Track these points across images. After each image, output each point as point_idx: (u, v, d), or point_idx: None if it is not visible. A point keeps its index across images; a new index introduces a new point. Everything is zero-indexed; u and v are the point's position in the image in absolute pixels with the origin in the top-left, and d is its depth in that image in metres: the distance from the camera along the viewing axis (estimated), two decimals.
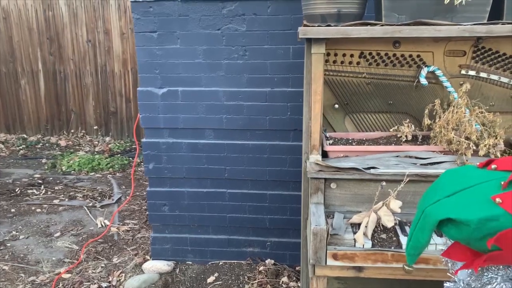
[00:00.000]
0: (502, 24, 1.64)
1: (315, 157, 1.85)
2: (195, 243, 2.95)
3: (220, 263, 2.96)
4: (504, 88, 1.98)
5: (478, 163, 0.99)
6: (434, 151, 1.83)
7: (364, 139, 2.05)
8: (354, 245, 1.62)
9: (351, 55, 2.01)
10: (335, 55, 2.01)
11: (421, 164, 1.79)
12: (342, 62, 2.02)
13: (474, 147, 1.72)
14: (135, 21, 2.57)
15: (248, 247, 2.93)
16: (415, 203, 1.79)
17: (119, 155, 5.87)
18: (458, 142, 1.74)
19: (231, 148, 2.73)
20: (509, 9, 1.71)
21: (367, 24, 1.70)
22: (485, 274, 1.03)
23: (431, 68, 1.95)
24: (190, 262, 3.00)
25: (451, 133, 1.74)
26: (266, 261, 2.90)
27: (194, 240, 2.95)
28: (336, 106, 2.06)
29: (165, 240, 2.98)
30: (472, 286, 1.05)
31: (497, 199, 0.86)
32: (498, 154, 1.73)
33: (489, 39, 1.91)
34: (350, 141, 2.03)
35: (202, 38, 2.56)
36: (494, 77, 1.97)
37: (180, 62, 2.62)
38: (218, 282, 2.78)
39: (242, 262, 2.93)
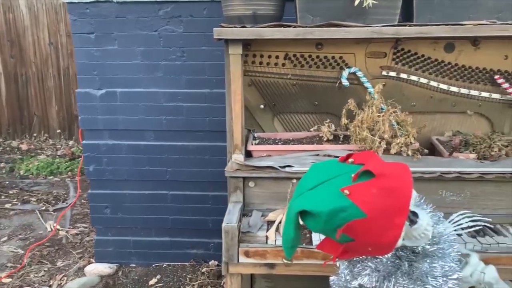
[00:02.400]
0: (409, 26, 1.70)
1: (237, 156, 1.88)
2: (138, 246, 2.94)
3: (164, 265, 2.95)
4: (424, 89, 2.04)
5: (339, 158, 1.02)
6: (351, 150, 1.87)
7: (291, 139, 2.09)
8: (266, 242, 1.64)
9: (276, 57, 2.04)
10: (261, 56, 2.04)
11: None
12: (268, 64, 2.05)
13: (385, 146, 1.76)
14: (72, 22, 2.56)
15: (191, 249, 2.93)
16: None
17: (80, 158, 5.80)
18: (371, 141, 1.78)
19: (172, 149, 2.73)
20: (419, 12, 1.77)
21: (282, 26, 1.74)
22: (356, 266, 1.06)
23: (352, 70, 2.00)
24: (134, 265, 2.98)
25: (364, 132, 1.78)
26: (210, 263, 2.91)
27: (137, 242, 2.93)
28: (262, 106, 2.08)
29: (108, 243, 2.95)
30: (347, 278, 1.08)
31: (346, 191, 0.90)
32: (410, 153, 1.79)
33: (408, 41, 1.97)
34: (276, 141, 2.06)
35: (139, 39, 2.57)
36: (413, 78, 2.02)
37: (118, 63, 2.61)
38: (159, 284, 2.77)
39: (186, 264, 2.93)
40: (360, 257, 1.04)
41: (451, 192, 1.78)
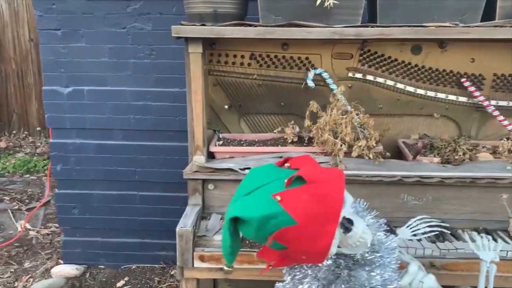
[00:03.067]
0: (371, 27, 1.67)
1: (199, 158, 1.84)
2: (107, 247, 2.88)
3: (133, 267, 2.90)
4: (391, 91, 2.02)
5: (276, 162, 0.98)
6: (314, 152, 1.84)
7: (257, 140, 2.05)
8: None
9: (242, 56, 2.00)
10: (226, 55, 2.00)
11: None
12: (233, 63, 2.01)
13: (346, 149, 1.73)
14: (38, 18, 2.50)
15: (161, 251, 2.88)
16: None
17: None
18: (332, 143, 1.75)
19: (141, 149, 2.68)
20: (382, 13, 1.74)
21: (242, 25, 1.70)
22: (296, 273, 1.03)
23: (318, 71, 1.97)
24: (103, 266, 2.92)
25: (325, 134, 1.75)
26: None
27: (106, 243, 2.88)
28: (226, 107, 2.04)
29: (76, 244, 2.89)
30: (290, 286, 1.05)
31: (277, 197, 0.86)
32: (371, 156, 1.76)
33: (374, 42, 1.94)
34: (242, 143, 2.02)
35: (107, 37, 2.51)
36: (380, 80, 2.00)
37: (86, 60, 2.56)
38: (127, 286, 2.72)
39: (155, 265, 2.88)
40: (300, 265, 1.01)
41: (412, 196, 1.76)
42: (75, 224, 2.85)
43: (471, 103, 2.01)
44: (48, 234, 3.52)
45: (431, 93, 2.01)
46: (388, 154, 1.85)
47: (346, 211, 0.91)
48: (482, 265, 1.32)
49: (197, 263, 1.59)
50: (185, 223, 1.60)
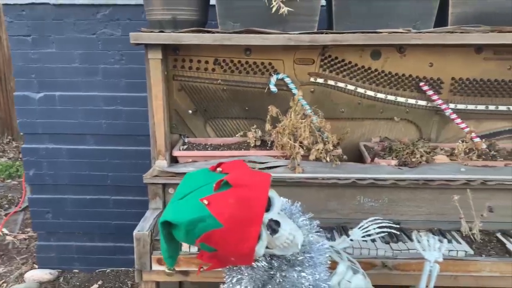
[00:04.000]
0: (325, 34, 1.71)
1: (160, 162, 1.87)
2: (81, 251, 2.90)
3: (107, 270, 2.91)
4: (352, 95, 2.06)
5: (209, 167, 1.02)
6: (275, 156, 1.88)
7: (222, 144, 2.08)
8: (180, 250, 1.63)
9: (206, 62, 2.03)
10: (190, 61, 2.02)
11: (259, 169, 1.83)
12: (197, 69, 2.04)
13: (303, 152, 1.77)
14: (8, 24, 2.51)
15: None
16: None
17: None
18: (291, 147, 1.79)
19: (113, 154, 2.70)
20: (338, 19, 1.78)
21: (200, 31, 1.73)
22: (233, 275, 1.06)
23: (280, 76, 2.00)
24: (77, 270, 2.94)
25: (284, 138, 1.79)
26: None
27: (80, 248, 2.89)
28: (190, 111, 2.07)
29: (50, 248, 2.90)
30: (229, 286, 1.08)
31: (205, 201, 0.89)
32: (328, 159, 1.80)
33: (335, 48, 1.98)
34: (207, 147, 2.05)
35: (77, 43, 2.54)
36: (341, 84, 2.04)
37: (57, 66, 2.58)
38: None
39: (129, 269, 2.90)
40: (238, 266, 1.04)
41: (369, 198, 1.80)
42: (49, 229, 2.86)
43: (431, 107, 2.06)
44: (25, 239, 3.52)
45: (391, 97, 2.05)
46: (345, 157, 1.88)
47: (274, 214, 0.94)
48: (425, 265, 1.36)
49: (155, 266, 1.61)
50: (143, 226, 1.63)
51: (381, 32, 1.70)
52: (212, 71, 2.04)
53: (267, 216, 0.93)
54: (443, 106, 2.00)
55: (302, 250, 1.00)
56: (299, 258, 0.99)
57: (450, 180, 1.71)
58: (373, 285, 1.47)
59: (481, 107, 2.05)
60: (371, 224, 1.56)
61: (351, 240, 1.55)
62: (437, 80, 2.03)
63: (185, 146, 2.03)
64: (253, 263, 1.03)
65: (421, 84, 2.01)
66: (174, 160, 1.95)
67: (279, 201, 0.97)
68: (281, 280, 1.01)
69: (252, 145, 1.98)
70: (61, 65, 2.58)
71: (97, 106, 2.63)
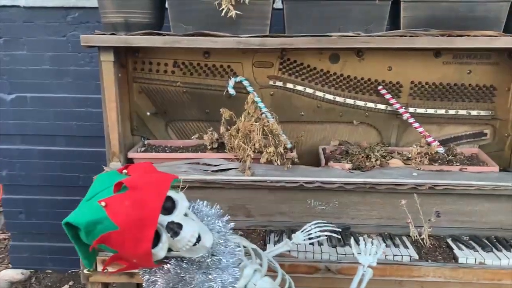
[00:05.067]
0: (273, 37, 1.71)
1: (115, 164, 1.88)
2: (54, 252, 2.92)
3: (80, 271, 2.92)
4: (311, 99, 2.06)
5: (117, 169, 1.02)
6: (229, 159, 1.88)
7: (182, 146, 2.09)
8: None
9: (165, 64, 2.04)
10: (150, 63, 2.04)
11: (212, 171, 1.83)
12: (157, 71, 2.05)
13: (252, 155, 1.77)
14: None
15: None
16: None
17: None
18: (243, 149, 1.79)
19: (84, 155, 2.72)
20: (289, 23, 1.79)
21: (151, 34, 1.74)
22: (147, 277, 1.06)
23: (238, 79, 2.01)
24: (50, 271, 2.96)
25: (236, 141, 1.79)
26: None
27: (53, 248, 2.91)
28: (148, 113, 2.08)
29: (23, 249, 2.92)
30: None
31: (102, 203, 0.90)
32: (279, 162, 1.80)
33: (293, 51, 1.98)
34: (166, 149, 2.06)
35: (48, 45, 2.56)
36: (300, 88, 2.04)
37: (28, 68, 2.61)
38: None
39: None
40: (150, 268, 1.05)
41: (319, 201, 1.80)
42: (22, 229, 2.88)
43: (390, 111, 2.05)
44: (5, 239, 3.55)
45: (350, 101, 2.05)
46: (297, 160, 1.88)
47: (176, 216, 0.95)
48: (359, 269, 1.36)
49: (101, 267, 1.62)
50: None
51: (330, 36, 1.70)
52: (171, 74, 2.06)
53: (166, 219, 0.94)
54: (401, 110, 2.00)
55: (211, 253, 1.00)
56: (207, 261, 0.99)
57: (398, 184, 1.71)
58: None
59: (441, 111, 2.04)
60: (314, 228, 1.56)
61: (293, 243, 1.55)
62: (396, 84, 2.02)
63: (143, 148, 2.04)
64: (166, 265, 1.04)
65: (379, 88, 2.01)
66: (130, 162, 1.95)
67: (184, 203, 0.97)
68: (189, 281, 1.01)
69: (209, 147, 1.99)
70: (32, 67, 2.61)
71: (67, 107, 2.65)
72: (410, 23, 1.76)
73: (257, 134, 1.81)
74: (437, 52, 1.97)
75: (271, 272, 1.29)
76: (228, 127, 1.91)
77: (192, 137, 2.04)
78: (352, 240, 1.43)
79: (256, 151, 1.81)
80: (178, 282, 1.03)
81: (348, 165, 1.87)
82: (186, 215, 1.00)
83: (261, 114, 1.90)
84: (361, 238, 1.43)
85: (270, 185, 1.75)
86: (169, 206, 0.96)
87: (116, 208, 0.89)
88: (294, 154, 1.90)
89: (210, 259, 1.00)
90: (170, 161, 1.89)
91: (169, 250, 0.97)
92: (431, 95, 2.03)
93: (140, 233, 0.88)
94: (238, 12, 1.70)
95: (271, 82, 2.05)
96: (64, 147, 2.73)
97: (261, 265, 1.17)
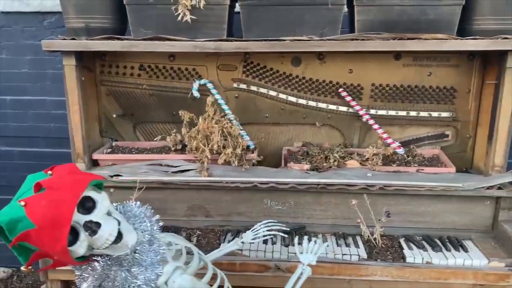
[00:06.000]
0: (229, 41, 1.76)
1: (79, 165, 1.92)
2: None
3: None
4: (275, 101, 2.09)
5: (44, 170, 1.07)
6: (189, 160, 1.92)
7: (148, 148, 2.13)
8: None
9: (132, 67, 2.09)
10: (117, 66, 2.09)
11: (172, 172, 1.88)
12: (124, 74, 2.10)
13: (210, 156, 1.82)
14: None
15: None
16: (164, 209, 1.88)
17: None
18: (201, 151, 1.84)
19: (62, 156, 2.77)
20: (246, 27, 1.82)
21: (111, 39, 1.79)
22: (78, 273, 1.11)
23: (202, 81, 2.05)
24: (33, 270, 3.01)
25: (194, 142, 1.84)
26: None
27: None
28: (114, 115, 2.13)
29: (5, 247, 2.98)
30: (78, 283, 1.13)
31: (22, 203, 0.95)
32: (236, 163, 1.84)
33: (256, 54, 2.03)
34: (133, 150, 2.10)
35: (26, 49, 2.63)
36: (263, 90, 2.08)
37: (7, 71, 2.67)
38: None
39: None
40: (80, 265, 1.09)
41: (276, 201, 1.84)
42: None
43: (352, 113, 2.08)
44: None
45: (312, 103, 2.08)
46: (255, 162, 1.92)
47: (95, 216, 0.99)
48: (298, 267, 1.39)
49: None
50: None
51: (284, 40, 1.74)
52: (137, 77, 2.11)
53: (84, 218, 0.98)
54: (361, 112, 2.03)
55: (133, 251, 1.05)
56: (129, 258, 1.04)
57: (349, 185, 1.74)
58: None
59: (402, 113, 2.06)
60: (263, 227, 1.60)
61: (242, 242, 1.59)
62: (357, 86, 2.05)
63: (110, 150, 2.09)
64: (94, 263, 1.08)
65: (340, 90, 2.04)
66: (95, 163, 2.01)
67: (104, 204, 1.01)
68: (114, 278, 1.05)
69: (173, 149, 2.03)
70: (11, 70, 2.67)
71: (46, 109, 2.71)
72: (364, 27, 1.78)
73: (216, 135, 1.85)
74: (397, 55, 2.00)
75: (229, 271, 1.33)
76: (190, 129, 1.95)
77: (155, 139, 2.08)
78: (296, 240, 1.46)
79: (215, 152, 1.85)
80: (105, 279, 1.07)
81: (306, 166, 1.91)
82: (110, 214, 1.04)
83: (222, 116, 1.94)
84: (305, 237, 1.46)
85: (226, 186, 1.79)
86: (89, 206, 1.01)
87: (34, 207, 0.94)
88: (254, 155, 1.94)
89: (132, 257, 1.04)
90: (132, 162, 1.94)
91: (93, 248, 1.02)
92: (392, 97, 2.05)
93: (56, 231, 0.93)
94: (193, 17, 1.74)
95: (235, 85, 2.09)
96: (43, 148, 2.79)
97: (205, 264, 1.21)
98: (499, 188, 1.74)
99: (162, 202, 1.87)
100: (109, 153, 2.06)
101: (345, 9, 1.92)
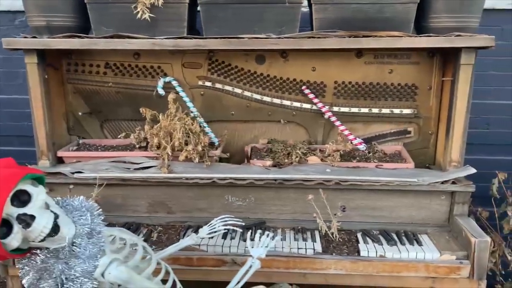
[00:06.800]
0: (188, 39, 1.78)
1: (43, 162, 1.95)
2: None
3: None
4: (240, 99, 2.12)
5: None
6: (152, 157, 1.94)
7: (115, 145, 2.15)
8: None
9: (97, 65, 2.11)
10: (83, 65, 2.11)
11: (135, 169, 1.90)
12: (90, 72, 2.12)
13: (171, 153, 1.84)
14: None
15: None
16: (125, 205, 1.90)
17: None
18: (162, 148, 1.86)
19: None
20: (206, 25, 1.84)
21: (71, 37, 1.81)
22: (20, 266, 1.13)
23: (167, 79, 2.07)
24: None
25: (155, 139, 1.86)
26: None
27: None
28: (80, 113, 2.15)
29: None
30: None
31: None
32: (197, 160, 1.86)
33: (221, 52, 2.05)
34: (99, 148, 2.12)
35: None
36: (228, 88, 2.10)
37: None
38: None
39: None
40: (24, 257, 1.11)
41: (236, 197, 1.86)
42: None
43: (315, 110, 2.11)
44: None
45: (277, 101, 2.11)
46: (217, 158, 1.94)
47: (30, 209, 1.01)
48: (248, 260, 1.41)
49: None
50: None
51: (241, 38, 1.76)
52: (104, 75, 2.12)
53: (18, 211, 1.00)
54: (324, 109, 2.06)
55: (71, 243, 1.07)
56: (66, 251, 1.06)
57: (306, 180, 1.76)
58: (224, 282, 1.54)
59: (365, 110, 2.09)
60: (219, 222, 1.62)
61: (198, 237, 1.61)
62: (320, 83, 2.08)
63: (76, 147, 2.10)
64: (35, 256, 1.10)
65: (303, 87, 2.07)
66: (60, 161, 2.02)
67: (39, 197, 1.03)
68: (52, 270, 1.07)
69: (137, 146, 2.05)
70: None
71: (19, 108, 2.72)
72: (321, 25, 1.81)
73: (177, 133, 1.87)
74: (358, 52, 2.03)
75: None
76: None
77: (119, 136, 2.10)
78: (248, 234, 1.49)
79: (177, 149, 1.87)
80: (45, 271, 1.09)
81: (269, 162, 1.94)
82: (48, 207, 1.06)
83: (186, 114, 1.96)
84: (258, 232, 1.49)
85: (185, 182, 1.81)
86: (25, 199, 1.03)
87: None
88: (217, 151, 1.96)
89: (69, 249, 1.06)
90: (96, 159, 1.96)
91: (29, 241, 1.04)
92: (355, 94, 2.08)
93: None
94: (152, 15, 1.76)
95: (200, 83, 2.11)
96: (17, 147, 2.80)
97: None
98: (453, 182, 1.77)
99: (124, 198, 1.89)
100: (75, 150, 2.07)
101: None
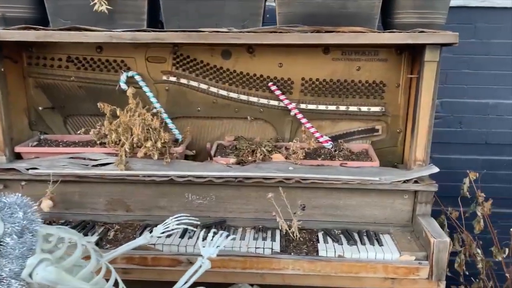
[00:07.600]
0: (146, 32, 1.73)
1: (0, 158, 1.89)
2: None
3: None
4: (206, 94, 2.07)
5: None
6: (111, 153, 1.89)
7: (77, 141, 2.09)
8: None
9: (59, 59, 2.05)
10: (44, 58, 2.05)
11: (93, 165, 1.85)
12: (51, 66, 2.06)
13: (128, 149, 1.79)
14: None
15: None
16: (82, 202, 1.85)
17: None
18: (120, 144, 1.81)
19: None
20: (167, 18, 1.80)
21: (27, 29, 1.75)
22: None
23: (130, 73, 2.02)
24: None
25: (113, 135, 1.81)
26: None
27: None
28: (40, 108, 2.09)
29: None
30: None
31: None
32: (156, 156, 1.81)
33: (185, 46, 2.00)
34: (61, 144, 2.06)
35: None
36: (193, 83, 2.05)
37: None
38: None
39: None
40: None
41: (197, 195, 1.82)
42: None
43: (282, 107, 2.06)
44: None
45: (243, 97, 2.06)
46: (177, 156, 1.89)
47: None
48: (198, 260, 1.37)
49: None
50: None
51: (202, 31, 1.72)
52: (66, 68, 2.06)
53: None
54: (290, 106, 2.02)
55: None
56: None
57: (266, 178, 1.73)
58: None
59: (332, 108, 2.06)
60: (174, 221, 1.58)
61: (152, 236, 1.56)
62: (287, 80, 2.04)
63: (36, 143, 2.05)
64: None
65: (270, 84, 2.03)
66: (17, 156, 1.97)
67: None
68: None
69: (98, 142, 2.00)
70: None
71: None
72: (285, 19, 1.77)
73: (137, 128, 1.82)
74: (325, 49, 1.99)
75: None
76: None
77: (78, 132, 2.04)
78: (201, 233, 1.45)
79: (136, 146, 1.82)
80: None
81: (232, 160, 1.89)
82: None
83: (147, 109, 1.91)
84: (212, 231, 1.45)
85: (143, 180, 1.77)
86: None
87: None
88: (179, 148, 1.92)
89: None
90: (54, 155, 1.90)
91: None
92: (322, 91, 2.04)
93: None
94: (109, 7, 1.71)
95: (164, 77, 2.06)
96: None
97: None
98: (416, 182, 1.74)
99: (81, 196, 1.84)
100: (35, 146, 2.01)
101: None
